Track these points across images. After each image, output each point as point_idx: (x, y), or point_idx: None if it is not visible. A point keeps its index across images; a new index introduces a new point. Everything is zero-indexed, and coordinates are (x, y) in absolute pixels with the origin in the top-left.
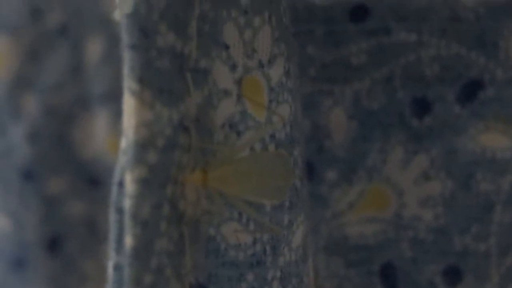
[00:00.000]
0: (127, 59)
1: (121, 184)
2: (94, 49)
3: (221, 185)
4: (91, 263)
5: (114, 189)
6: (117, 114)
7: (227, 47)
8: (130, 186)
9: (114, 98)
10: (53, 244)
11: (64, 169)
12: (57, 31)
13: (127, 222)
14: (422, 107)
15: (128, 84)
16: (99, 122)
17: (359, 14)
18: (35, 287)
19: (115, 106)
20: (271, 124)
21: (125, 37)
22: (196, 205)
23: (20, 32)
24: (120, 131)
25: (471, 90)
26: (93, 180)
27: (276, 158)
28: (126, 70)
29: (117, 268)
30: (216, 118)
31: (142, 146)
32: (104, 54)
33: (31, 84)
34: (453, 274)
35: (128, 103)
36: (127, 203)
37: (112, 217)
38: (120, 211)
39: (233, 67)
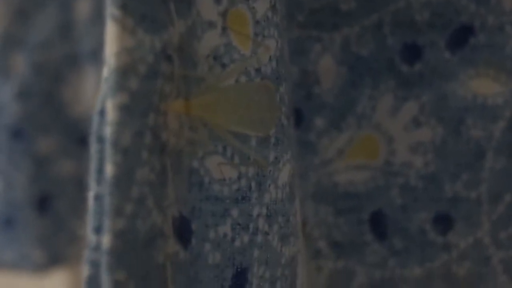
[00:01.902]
0: None
1: (102, 113)
2: (83, 7)
3: (205, 113)
4: (81, 222)
5: (95, 118)
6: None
7: None
8: (111, 113)
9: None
10: (43, 203)
11: (53, 128)
12: None
13: (108, 150)
14: (412, 53)
15: (111, 10)
16: (89, 80)
17: None
18: (25, 246)
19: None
20: (256, 56)
21: None
22: (179, 135)
23: None
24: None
25: (461, 36)
26: (83, 139)
27: (261, 89)
28: None
29: (98, 198)
30: (200, 49)
31: (124, 73)
32: (93, 11)
33: (20, 43)
34: (443, 221)
35: (110, 30)
36: (108, 131)
37: (93, 147)
38: (101, 140)
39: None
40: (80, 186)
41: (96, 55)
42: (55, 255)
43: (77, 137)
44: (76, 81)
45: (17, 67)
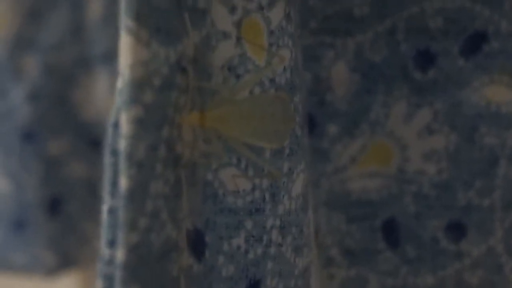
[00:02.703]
0: None
1: (116, 125)
2: (95, 8)
3: (219, 125)
4: (92, 224)
5: (109, 130)
6: (119, 74)
7: None
8: (125, 126)
9: (115, 58)
10: (54, 205)
11: (64, 130)
12: None
13: (122, 163)
14: (426, 60)
15: (125, 22)
16: (100, 82)
17: None
18: (36, 248)
19: (116, 66)
20: (271, 67)
21: None
22: (193, 147)
23: None
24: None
25: (475, 43)
26: (94, 141)
27: (276, 101)
28: (123, 7)
29: (112, 211)
30: (215, 60)
31: (138, 85)
32: (105, 13)
33: (31, 44)
34: (456, 229)
35: (125, 41)
36: (122, 144)
37: (107, 159)
38: (115, 153)
39: (232, 9)
40: (91, 188)
41: (108, 57)
42: (66, 258)
43: (88, 139)
44: (88, 83)
45: (28, 69)
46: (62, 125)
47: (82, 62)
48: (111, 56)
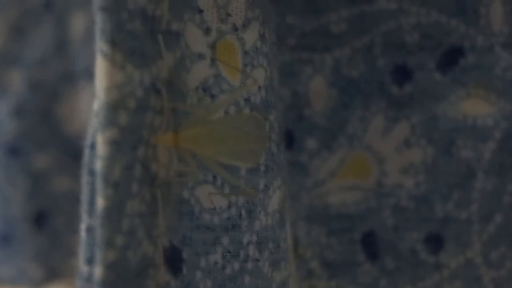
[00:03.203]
0: (98, 21)
1: (93, 146)
2: (78, 24)
3: (193, 146)
4: (77, 237)
5: (86, 151)
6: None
7: (200, 11)
8: (101, 148)
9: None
10: (40, 220)
11: (49, 145)
12: (41, 6)
13: (99, 183)
14: (403, 74)
15: (100, 46)
16: (84, 97)
17: None
18: (22, 262)
19: None
20: (245, 87)
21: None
22: (168, 167)
23: (4, 7)
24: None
25: (451, 57)
26: (79, 155)
27: (250, 120)
28: (97, 32)
29: (89, 230)
30: (189, 81)
31: (113, 108)
32: (89, 29)
33: (16, 60)
34: (435, 241)
35: (100, 66)
36: (99, 165)
37: (84, 179)
38: (92, 173)
39: (207, 31)
40: (76, 202)
41: (91, 72)
42: (52, 270)
43: (73, 153)
44: (72, 98)
45: (13, 84)
46: (46, 139)
47: (66, 78)
48: (94, 72)
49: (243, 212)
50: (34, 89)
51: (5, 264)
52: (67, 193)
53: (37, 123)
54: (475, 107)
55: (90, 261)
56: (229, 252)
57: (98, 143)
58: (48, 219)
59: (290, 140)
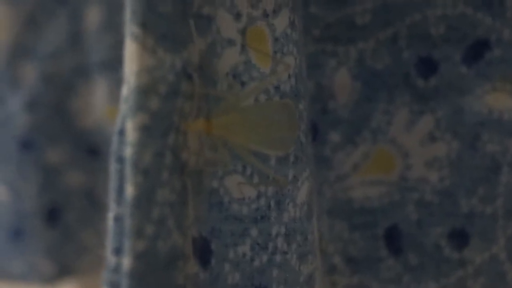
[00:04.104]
0: (130, 3)
1: (122, 133)
2: (93, 17)
3: (225, 133)
4: (90, 233)
5: (115, 138)
6: (117, 83)
7: None
8: (131, 133)
9: (113, 66)
10: (52, 214)
11: (63, 139)
12: None
13: (128, 170)
14: (428, 67)
15: (130, 29)
16: (98, 90)
17: None
18: (34, 257)
19: (115, 74)
20: (276, 74)
21: None
22: (199, 154)
23: (18, 0)
24: (120, 99)
25: (477, 50)
26: (92, 150)
27: (281, 108)
28: (128, 14)
29: (118, 219)
30: (220, 67)
31: (144, 92)
32: (103, 22)
33: (30, 53)
34: (459, 237)
35: (130, 49)
36: (128, 151)
37: (113, 166)
38: (121, 160)
39: (237, 16)
40: (89, 197)
41: (106, 66)
42: (64, 266)
43: (87, 147)
44: (86, 91)
45: (26, 77)
46: (60, 133)
47: (80, 71)
48: (109, 65)
49: (272, 203)
50: (48, 82)
51: (16, 260)
52: (80, 188)
53: (50, 117)
54: (501, 101)
55: (118, 251)
56: (258, 244)
57: (127, 129)
58: (61, 215)
59: (314, 132)
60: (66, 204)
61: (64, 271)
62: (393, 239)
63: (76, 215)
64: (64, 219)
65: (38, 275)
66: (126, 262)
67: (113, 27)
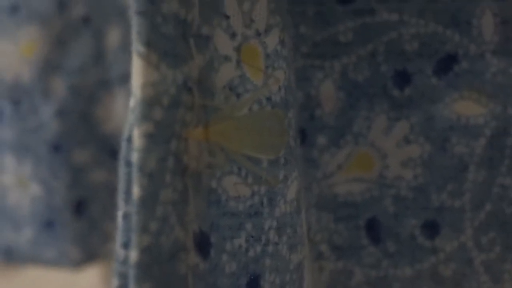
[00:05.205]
0: (135, 24)
1: (129, 140)
2: (113, 36)
3: (222, 140)
4: (112, 224)
5: (123, 144)
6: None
7: (227, 17)
8: (137, 140)
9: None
10: (79, 207)
11: (88, 142)
12: (81, 21)
13: (135, 174)
14: (403, 79)
15: (136, 46)
16: (119, 100)
17: None
18: (64, 245)
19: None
20: (267, 87)
21: (133, 4)
22: (198, 159)
23: (48, 22)
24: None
25: (446, 64)
26: (114, 151)
27: (272, 116)
28: (133, 34)
29: (126, 217)
30: (217, 81)
31: (149, 104)
32: (122, 41)
33: (58, 68)
34: (431, 227)
35: (136, 65)
36: (135, 156)
37: (121, 170)
38: (128, 164)
39: (233, 36)
40: (111, 192)
41: (125, 79)
42: (89, 253)
43: (109, 150)
44: (108, 101)
45: (56, 89)
46: (86, 137)
47: (102, 83)
48: (127, 78)
49: (265, 200)
50: (75, 93)
51: (48, 247)
52: (104, 184)
53: (77, 123)
54: (468, 108)
55: (126, 245)
56: (252, 236)
57: (134, 137)
58: (87, 207)
59: (303, 137)
60: (91, 198)
61: (90, 257)
62: (373, 230)
63: (100, 207)
64: (89, 211)
65: (68, 260)
66: (133, 255)
67: (130, 46)
